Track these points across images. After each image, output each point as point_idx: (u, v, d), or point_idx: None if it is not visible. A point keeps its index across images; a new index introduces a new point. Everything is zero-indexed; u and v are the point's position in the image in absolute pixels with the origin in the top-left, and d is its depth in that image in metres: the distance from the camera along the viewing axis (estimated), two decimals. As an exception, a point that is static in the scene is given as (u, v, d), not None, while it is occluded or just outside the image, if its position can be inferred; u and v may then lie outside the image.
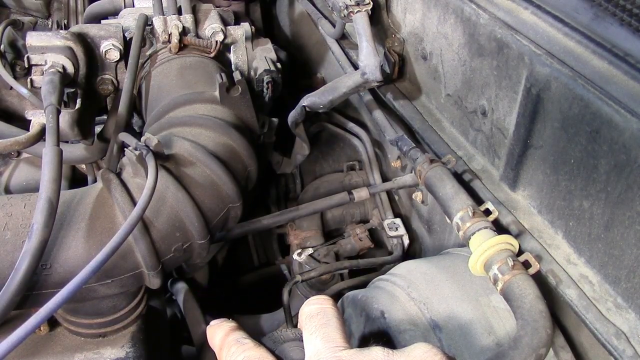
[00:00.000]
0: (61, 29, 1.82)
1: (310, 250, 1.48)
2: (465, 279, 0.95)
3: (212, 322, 0.70)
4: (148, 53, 1.37)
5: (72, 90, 1.24)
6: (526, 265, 0.86)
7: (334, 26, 1.57)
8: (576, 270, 0.86)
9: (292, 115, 1.42)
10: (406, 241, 1.45)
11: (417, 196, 1.22)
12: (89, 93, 1.31)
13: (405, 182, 1.22)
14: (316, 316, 0.64)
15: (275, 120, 1.44)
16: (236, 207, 1.01)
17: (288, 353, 0.68)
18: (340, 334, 0.63)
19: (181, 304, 1.33)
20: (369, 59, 1.24)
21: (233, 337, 0.66)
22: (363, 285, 1.12)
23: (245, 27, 1.46)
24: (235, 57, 1.46)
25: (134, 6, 1.55)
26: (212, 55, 1.36)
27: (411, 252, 1.47)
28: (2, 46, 1.40)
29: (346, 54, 1.54)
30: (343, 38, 1.59)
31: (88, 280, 0.72)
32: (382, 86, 1.37)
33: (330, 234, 1.65)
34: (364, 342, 0.93)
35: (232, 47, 1.46)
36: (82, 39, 1.26)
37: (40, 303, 0.71)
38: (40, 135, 1.05)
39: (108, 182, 0.91)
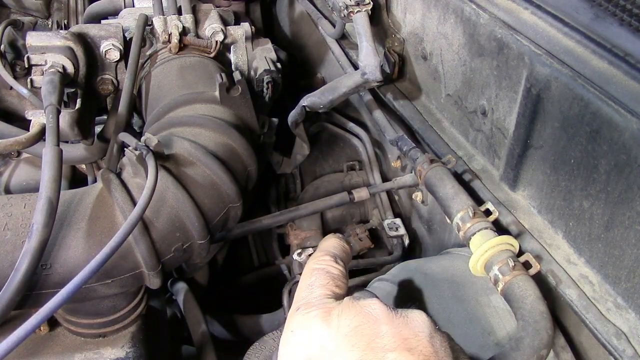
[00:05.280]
0: (61, 29, 1.82)
1: (310, 250, 1.47)
2: (465, 279, 0.95)
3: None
4: (148, 53, 1.37)
5: (72, 90, 1.24)
6: (526, 265, 0.86)
7: (334, 26, 1.56)
8: (576, 270, 0.86)
9: (292, 115, 1.42)
10: (406, 241, 1.45)
11: (417, 196, 1.22)
12: (89, 93, 1.31)
13: (405, 182, 1.22)
14: (310, 262, 0.68)
15: (275, 120, 1.44)
16: (236, 207, 1.01)
17: None
18: (334, 281, 0.64)
19: (181, 304, 1.33)
20: (369, 59, 1.24)
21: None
22: (363, 285, 1.12)
23: (245, 27, 1.46)
24: (235, 57, 1.46)
25: (134, 6, 1.54)
26: (212, 55, 1.36)
27: (411, 252, 1.47)
28: (2, 46, 1.40)
29: (346, 54, 1.54)
30: (343, 38, 1.59)
31: (88, 280, 0.72)
32: (382, 86, 1.37)
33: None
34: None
35: (232, 47, 1.46)
36: (82, 39, 1.26)
37: (40, 303, 0.71)
38: (40, 135, 1.05)
39: (108, 182, 0.91)
